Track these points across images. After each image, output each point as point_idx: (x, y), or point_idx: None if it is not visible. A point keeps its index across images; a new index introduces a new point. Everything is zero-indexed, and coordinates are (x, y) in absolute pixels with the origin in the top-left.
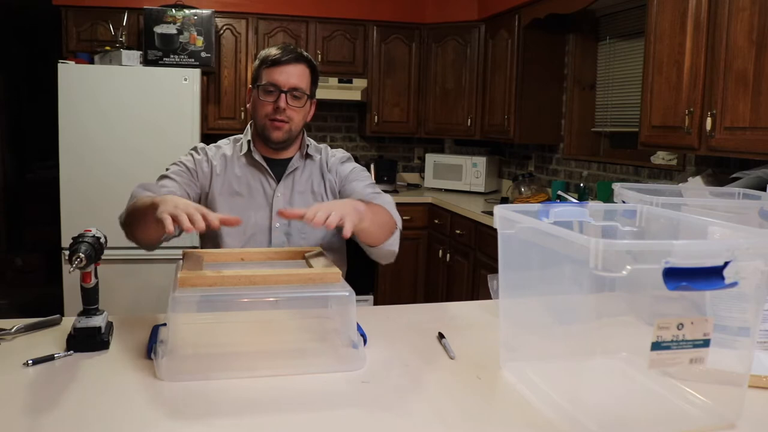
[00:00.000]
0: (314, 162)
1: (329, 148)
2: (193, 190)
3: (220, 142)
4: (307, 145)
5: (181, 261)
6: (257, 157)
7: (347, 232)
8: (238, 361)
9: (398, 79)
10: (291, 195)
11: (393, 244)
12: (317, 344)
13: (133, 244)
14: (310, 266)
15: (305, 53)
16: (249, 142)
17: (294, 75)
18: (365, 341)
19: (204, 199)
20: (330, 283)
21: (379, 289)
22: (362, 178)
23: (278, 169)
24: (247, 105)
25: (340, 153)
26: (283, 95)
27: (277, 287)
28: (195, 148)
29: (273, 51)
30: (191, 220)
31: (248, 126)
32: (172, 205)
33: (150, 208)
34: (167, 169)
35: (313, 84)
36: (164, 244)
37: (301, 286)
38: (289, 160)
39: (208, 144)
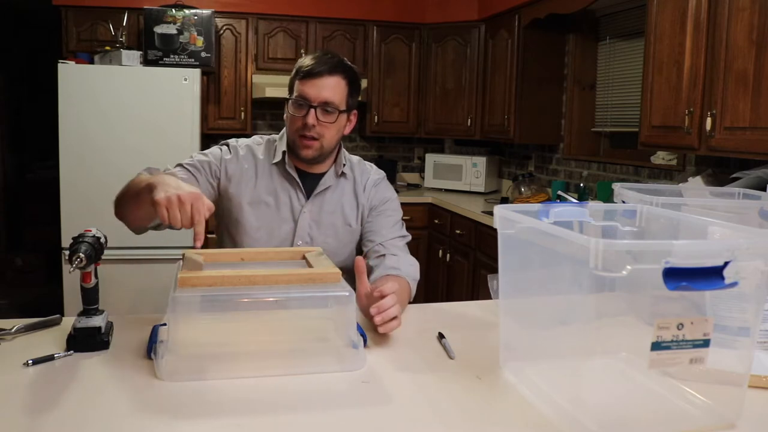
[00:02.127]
0: (348, 180)
1: (364, 163)
2: (207, 188)
3: (254, 142)
4: (344, 164)
5: (181, 261)
6: (290, 170)
7: (392, 329)
8: (238, 361)
9: (398, 79)
10: (319, 213)
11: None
12: (317, 344)
13: (134, 244)
14: (310, 266)
15: (345, 61)
16: (284, 152)
17: (326, 88)
18: (365, 341)
19: (226, 199)
20: (330, 283)
21: None
22: (389, 213)
23: (310, 184)
24: (284, 116)
25: (375, 173)
26: (312, 111)
27: (277, 287)
28: (227, 144)
29: (307, 61)
30: (184, 217)
31: (283, 131)
32: (173, 188)
33: (146, 189)
34: (191, 156)
35: (351, 96)
36: (165, 244)
37: (301, 286)
38: (323, 175)
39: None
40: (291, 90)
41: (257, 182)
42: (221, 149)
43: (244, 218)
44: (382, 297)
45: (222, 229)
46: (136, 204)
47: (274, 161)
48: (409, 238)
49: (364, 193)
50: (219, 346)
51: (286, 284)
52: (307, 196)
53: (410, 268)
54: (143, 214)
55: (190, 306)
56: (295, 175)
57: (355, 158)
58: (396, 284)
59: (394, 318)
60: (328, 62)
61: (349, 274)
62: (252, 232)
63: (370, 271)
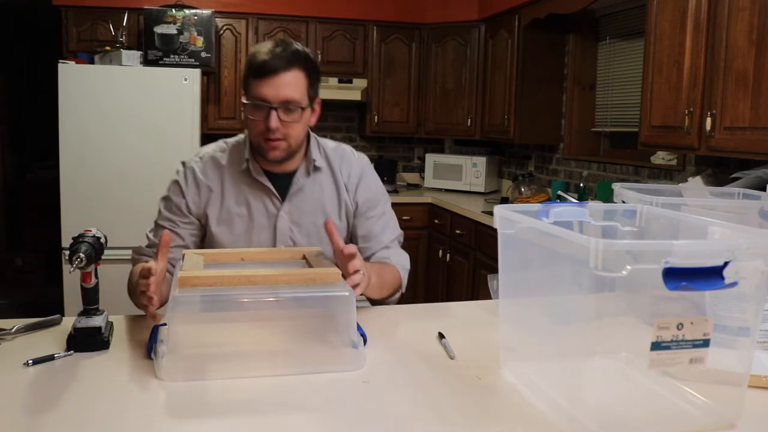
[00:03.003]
0: (325, 173)
1: (343, 148)
2: (189, 229)
3: (217, 149)
4: (314, 159)
5: (181, 261)
6: (258, 177)
7: (356, 292)
8: (238, 362)
9: (398, 79)
10: (298, 215)
11: (389, 302)
12: (317, 344)
13: (134, 244)
14: (310, 266)
15: (299, 49)
16: (247, 160)
17: (285, 86)
18: (365, 341)
19: (204, 220)
20: (330, 283)
21: None
22: (379, 215)
23: (282, 185)
24: (242, 117)
25: (357, 164)
26: (273, 112)
27: (277, 287)
28: (184, 165)
29: (260, 56)
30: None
31: (246, 133)
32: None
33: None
34: (159, 209)
35: (312, 87)
36: None
37: (301, 286)
38: (295, 173)
39: (203, 143)
40: (246, 88)
41: (224, 197)
42: (177, 183)
43: (220, 235)
44: (351, 256)
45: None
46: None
47: (241, 169)
48: (402, 236)
49: (347, 189)
50: (219, 346)
51: (286, 284)
52: (282, 198)
53: (400, 258)
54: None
55: (190, 306)
56: (265, 181)
57: (331, 144)
58: (372, 266)
59: (357, 271)
60: (282, 56)
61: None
62: (231, 247)
63: None
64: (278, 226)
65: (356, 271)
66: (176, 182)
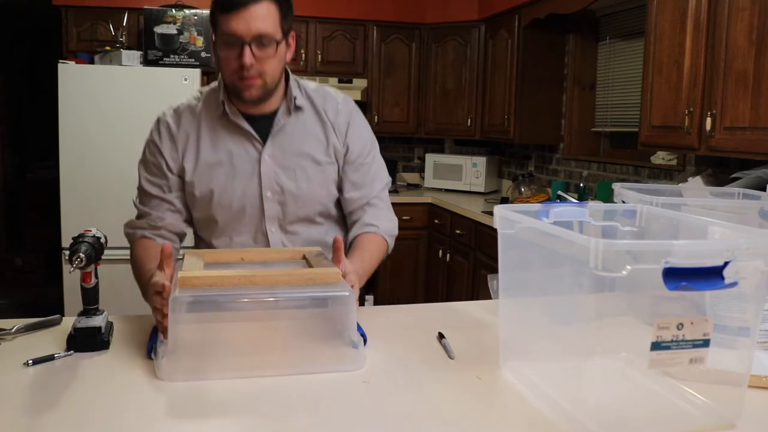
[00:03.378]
0: (307, 112)
1: (325, 89)
2: (176, 193)
3: (187, 100)
4: (294, 97)
5: (181, 261)
6: (236, 119)
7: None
8: (237, 362)
9: (398, 79)
10: (282, 157)
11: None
12: (317, 344)
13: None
14: (310, 266)
15: None
16: (223, 103)
17: (257, 19)
18: (365, 341)
19: (183, 174)
20: (330, 283)
21: (379, 289)
22: (369, 161)
23: (263, 127)
24: (213, 59)
25: (342, 102)
26: (246, 48)
27: (277, 287)
28: (158, 125)
29: None
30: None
31: (220, 77)
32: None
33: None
34: (140, 174)
35: (285, 19)
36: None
37: (301, 286)
38: (275, 114)
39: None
40: (214, 25)
41: (201, 145)
42: (154, 140)
43: (202, 187)
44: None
45: (191, 209)
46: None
47: (217, 114)
48: (390, 182)
49: (336, 131)
50: (219, 347)
51: (286, 284)
52: (263, 140)
53: (388, 224)
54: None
55: (189, 306)
56: (244, 124)
57: (312, 85)
58: (361, 258)
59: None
60: None
61: (332, 220)
62: (216, 199)
63: (350, 226)
64: (263, 171)
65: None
66: (152, 141)
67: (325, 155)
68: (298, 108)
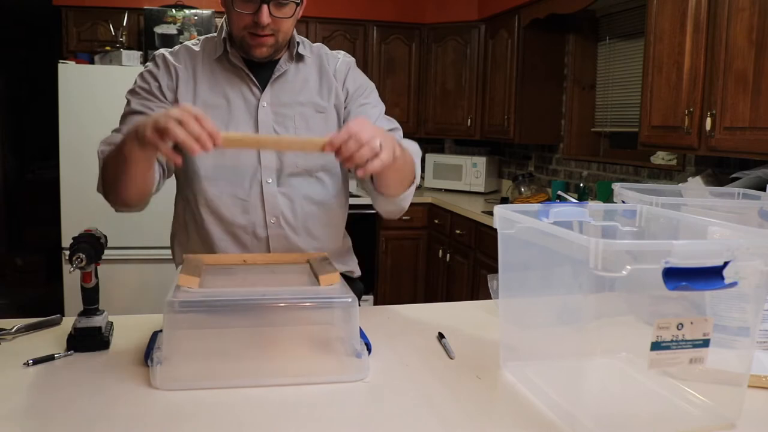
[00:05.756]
0: (310, 63)
1: (326, 48)
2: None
3: (190, 42)
4: (298, 43)
5: (180, 265)
6: (235, 60)
7: (374, 168)
8: (236, 370)
9: (398, 79)
10: (281, 104)
11: (406, 199)
12: (319, 353)
13: (134, 244)
14: (314, 272)
15: None
16: (225, 40)
17: None
18: (369, 350)
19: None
20: (333, 290)
21: (379, 289)
22: (374, 104)
23: (263, 74)
24: (224, 17)
25: (344, 55)
26: (265, 6)
27: (279, 293)
28: (153, 58)
29: None
30: (197, 137)
31: (222, 23)
32: (163, 117)
33: (131, 140)
34: (128, 101)
35: None
36: (165, 244)
37: (303, 292)
38: (276, 62)
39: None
40: None
41: (197, 84)
42: (149, 70)
43: None
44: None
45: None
46: (127, 165)
47: (216, 56)
48: (401, 130)
49: (335, 76)
50: (217, 354)
51: (288, 290)
52: (262, 87)
53: (408, 142)
54: (141, 172)
55: (187, 311)
56: (243, 66)
57: (315, 43)
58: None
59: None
60: None
61: (336, 179)
62: None
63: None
64: (260, 119)
65: (363, 145)
66: (147, 71)
67: (326, 101)
68: (300, 56)
